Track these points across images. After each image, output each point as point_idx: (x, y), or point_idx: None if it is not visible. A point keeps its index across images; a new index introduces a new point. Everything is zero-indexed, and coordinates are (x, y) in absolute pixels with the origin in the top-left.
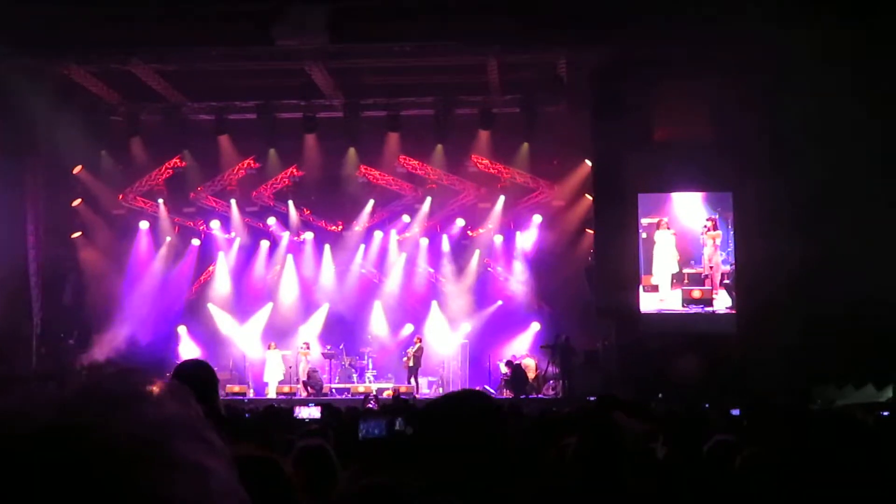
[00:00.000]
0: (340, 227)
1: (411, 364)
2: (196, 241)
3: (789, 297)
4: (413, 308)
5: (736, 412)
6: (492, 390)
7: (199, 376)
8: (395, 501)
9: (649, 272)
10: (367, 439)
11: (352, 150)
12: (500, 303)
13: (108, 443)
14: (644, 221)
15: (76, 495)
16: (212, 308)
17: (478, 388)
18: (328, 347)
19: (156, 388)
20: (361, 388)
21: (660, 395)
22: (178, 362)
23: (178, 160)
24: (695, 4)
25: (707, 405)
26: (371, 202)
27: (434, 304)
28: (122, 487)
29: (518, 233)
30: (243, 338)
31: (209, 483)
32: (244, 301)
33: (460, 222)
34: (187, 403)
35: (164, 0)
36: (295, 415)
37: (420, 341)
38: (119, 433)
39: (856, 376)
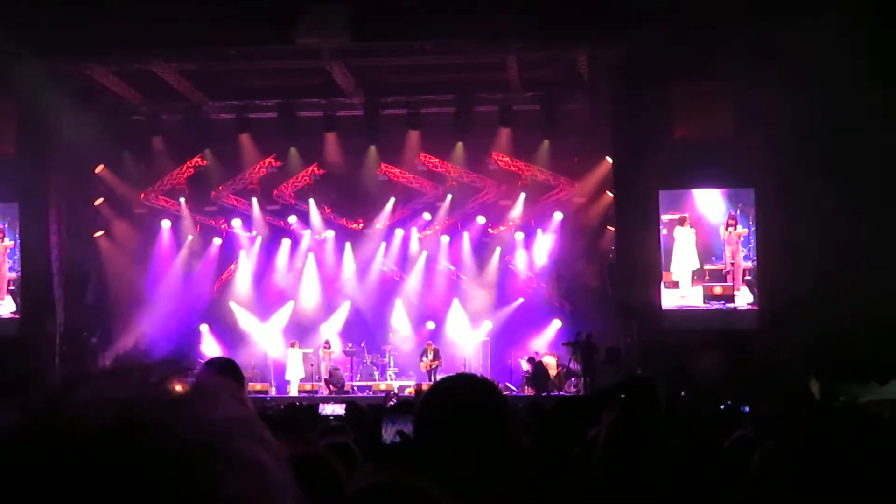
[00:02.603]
0: (361, 225)
1: (433, 366)
2: (218, 240)
3: (812, 293)
4: (434, 306)
5: (746, 409)
6: (513, 388)
7: (226, 374)
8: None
9: (670, 269)
10: (393, 443)
11: (372, 148)
12: (521, 300)
13: (171, 442)
14: (665, 218)
15: (139, 493)
16: (233, 306)
17: (467, 373)
18: (350, 345)
19: (215, 388)
20: (383, 386)
21: (682, 393)
22: (202, 360)
23: (199, 159)
24: (716, 1)
25: (730, 402)
26: (392, 200)
27: (455, 301)
28: (184, 486)
29: (539, 230)
30: (265, 336)
31: (267, 481)
32: (266, 299)
33: (481, 220)
34: (244, 403)
35: (186, 0)
36: (319, 411)
37: (431, 345)
38: (180, 432)
39: (879, 373)
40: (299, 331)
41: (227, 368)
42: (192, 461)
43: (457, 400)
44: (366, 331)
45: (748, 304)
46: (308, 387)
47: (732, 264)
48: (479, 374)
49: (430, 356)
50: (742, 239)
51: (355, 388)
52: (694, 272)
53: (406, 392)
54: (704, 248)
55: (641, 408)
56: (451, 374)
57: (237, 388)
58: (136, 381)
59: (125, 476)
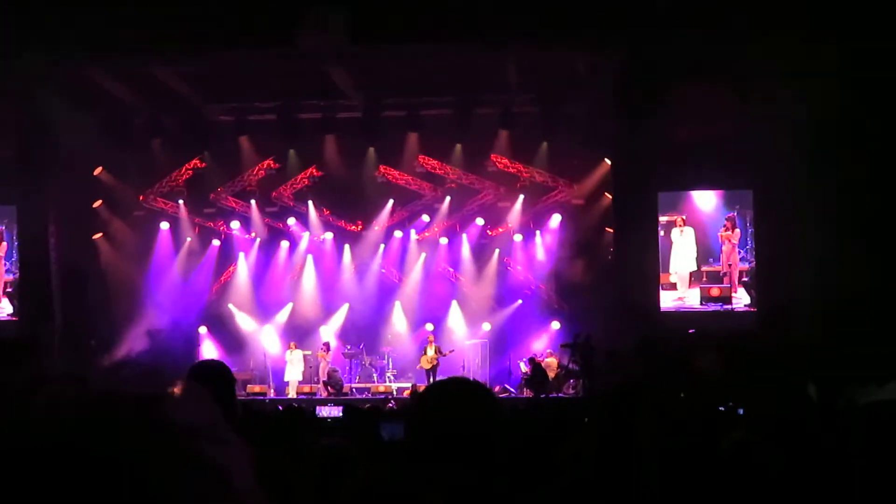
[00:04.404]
0: (360, 227)
1: (434, 364)
2: (216, 242)
3: (810, 295)
4: (433, 307)
5: (740, 411)
6: (511, 389)
7: (216, 377)
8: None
9: (668, 270)
10: (391, 440)
11: (371, 150)
12: (519, 302)
13: (135, 446)
14: (663, 219)
15: (104, 497)
16: (232, 308)
17: (459, 377)
18: (348, 347)
19: (178, 391)
20: (382, 388)
21: (682, 395)
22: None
23: (198, 161)
24: (718, 6)
25: (731, 403)
26: (390, 202)
27: (454, 303)
28: (149, 490)
29: (538, 232)
30: (264, 338)
31: (229, 484)
32: (264, 301)
33: (480, 222)
34: (208, 405)
35: (185, 2)
36: (317, 413)
37: (434, 341)
38: (145, 436)
39: (878, 374)
40: (298, 333)
41: (214, 372)
42: (156, 464)
43: (447, 404)
44: (364, 333)
45: (745, 305)
46: (306, 389)
47: (730, 266)
48: (471, 378)
49: (432, 352)
50: (739, 241)
51: (354, 390)
52: (691, 274)
53: (404, 394)
54: (702, 249)
55: (631, 414)
56: (442, 378)
57: (204, 391)
58: (102, 385)
59: (86, 479)
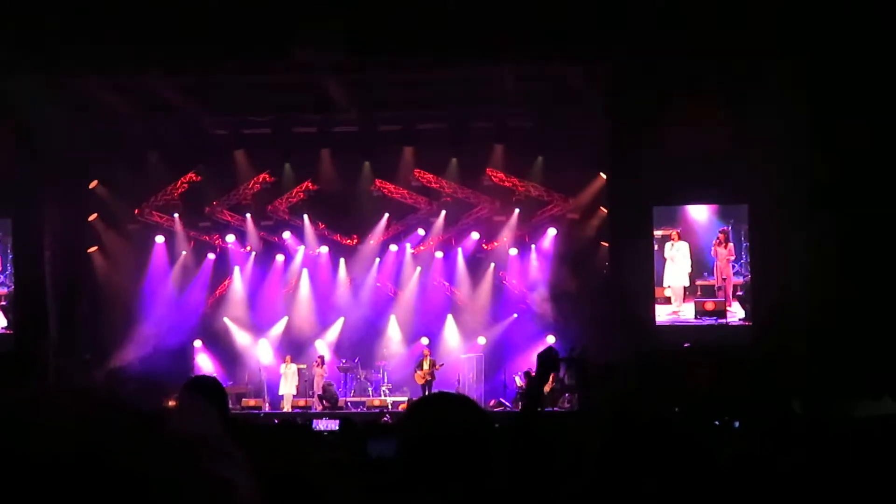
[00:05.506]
0: (355, 241)
1: (429, 379)
2: (211, 256)
3: (805, 309)
4: (428, 321)
5: (736, 424)
6: (507, 403)
7: (208, 391)
8: None
9: (662, 284)
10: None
11: (367, 164)
12: (514, 316)
13: (139, 461)
14: (658, 233)
15: None
16: (227, 322)
17: (446, 392)
18: (343, 361)
19: (180, 406)
20: (377, 402)
21: (676, 409)
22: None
23: (193, 175)
24: (713, 18)
25: (727, 417)
26: (386, 216)
27: (449, 317)
28: (154, 503)
29: (533, 246)
30: (259, 352)
31: (235, 496)
32: (259, 315)
33: (475, 236)
34: (211, 420)
35: (181, 14)
36: (313, 427)
37: (429, 355)
38: (150, 451)
39: (873, 388)
40: (293, 346)
41: (207, 387)
42: (161, 478)
43: (433, 419)
44: (360, 346)
45: (740, 319)
46: (301, 403)
47: (724, 280)
48: (465, 392)
49: (427, 366)
50: (733, 255)
51: (349, 403)
52: (686, 288)
53: (400, 408)
54: (696, 263)
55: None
56: (430, 393)
57: (207, 406)
58: (104, 400)
59: (91, 494)
